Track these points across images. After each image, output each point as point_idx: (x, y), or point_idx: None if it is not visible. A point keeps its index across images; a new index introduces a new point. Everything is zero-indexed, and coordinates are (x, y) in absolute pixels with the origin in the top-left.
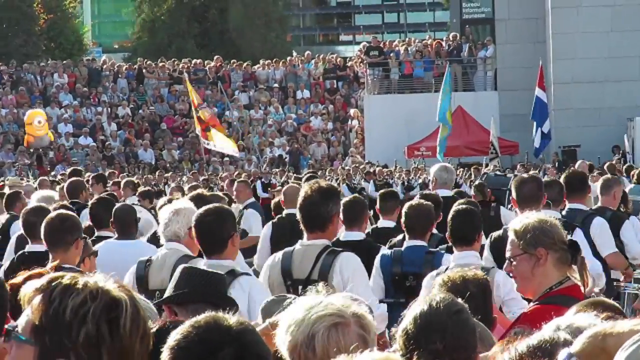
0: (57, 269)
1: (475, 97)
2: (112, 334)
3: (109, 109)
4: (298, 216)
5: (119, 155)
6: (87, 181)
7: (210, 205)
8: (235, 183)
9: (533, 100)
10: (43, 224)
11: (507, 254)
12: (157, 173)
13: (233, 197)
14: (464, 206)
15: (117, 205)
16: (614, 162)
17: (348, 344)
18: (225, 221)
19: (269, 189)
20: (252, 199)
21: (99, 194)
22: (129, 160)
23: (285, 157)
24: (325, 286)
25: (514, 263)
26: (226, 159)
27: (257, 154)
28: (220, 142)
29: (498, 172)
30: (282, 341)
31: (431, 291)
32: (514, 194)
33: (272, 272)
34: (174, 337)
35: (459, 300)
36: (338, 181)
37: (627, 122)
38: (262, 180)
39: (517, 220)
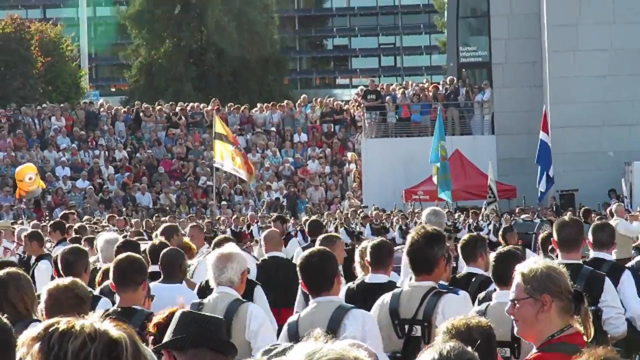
0: (128, 309)
1: (472, 140)
2: None
3: (107, 152)
4: (406, 260)
5: (117, 199)
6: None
7: (314, 248)
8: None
9: (537, 143)
10: (112, 265)
11: (511, 296)
12: (154, 216)
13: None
14: (506, 249)
15: (166, 249)
16: (614, 206)
17: None
18: (329, 261)
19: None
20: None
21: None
22: (126, 203)
23: (283, 201)
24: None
25: (518, 306)
26: (224, 202)
27: (254, 198)
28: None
29: (525, 218)
30: None
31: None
32: (555, 236)
33: (381, 312)
34: None
35: (469, 349)
36: (335, 225)
37: (624, 166)
38: (259, 224)
39: (525, 264)
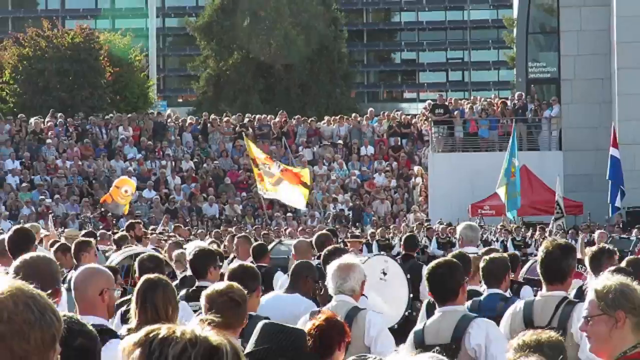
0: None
1: (540, 156)
2: None
3: (173, 162)
4: (539, 269)
5: (183, 209)
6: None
7: (441, 259)
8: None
9: (604, 160)
10: (227, 274)
11: (584, 313)
12: (221, 227)
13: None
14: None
15: (297, 262)
16: None
17: None
18: (455, 272)
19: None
20: None
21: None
22: (191, 213)
23: (348, 214)
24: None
25: (591, 323)
26: (289, 214)
27: (320, 210)
28: (287, 195)
29: (623, 236)
30: None
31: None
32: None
33: (515, 320)
34: None
35: None
36: (401, 239)
37: None
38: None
39: (599, 280)
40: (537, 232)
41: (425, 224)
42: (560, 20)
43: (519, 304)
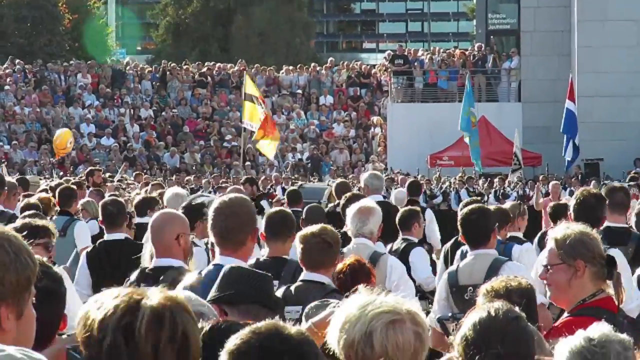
0: (277, 259)
1: (498, 107)
2: (127, 341)
3: (132, 110)
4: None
5: (141, 157)
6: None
7: (474, 205)
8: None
9: (563, 112)
10: (265, 219)
11: (544, 262)
12: (176, 176)
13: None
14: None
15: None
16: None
17: (405, 340)
18: (488, 217)
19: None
20: None
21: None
22: (150, 162)
23: (307, 163)
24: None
25: (550, 271)
26: (248, 163)
27: (279, 159)
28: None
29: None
30: (335, 339)
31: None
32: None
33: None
34: (234, 341)
35: (516, 308)
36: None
37: None
38: (283, 185)
39: (559, 228)
40: (497, 183)
41: (385, 174)
42: None
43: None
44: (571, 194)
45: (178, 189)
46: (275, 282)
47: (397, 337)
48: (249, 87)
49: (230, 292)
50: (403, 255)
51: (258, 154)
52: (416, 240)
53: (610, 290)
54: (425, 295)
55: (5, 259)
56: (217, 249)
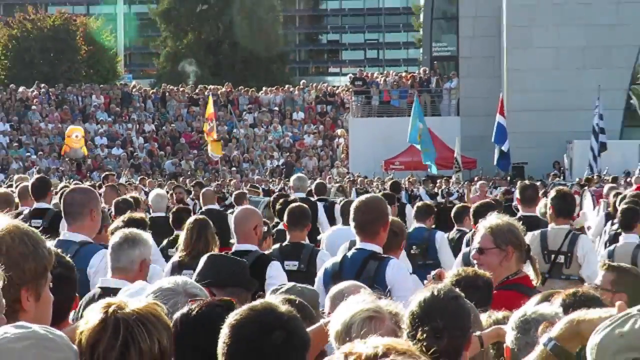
0: (297, 244)
1: (441, 121)
2: None
3: (137, 125)
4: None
5: (145, 164)
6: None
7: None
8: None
9: (494, 125)
10: (287, 211)
11: (477, 245)
12: (171, 180)
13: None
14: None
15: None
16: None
17: (381, 334)
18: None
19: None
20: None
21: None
22: (153, 168)
23: (282, 168)
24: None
25: (484, 254)
26: (233, 168)
27: (259, 165)
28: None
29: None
30: (332, 330)
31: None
32: (518, 196)
33: (533, 243)
34: (234, 316)
35: (457, 289)
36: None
37: (566, 144)
38: (263, 186)
39: (491, 219)
40: (443, 183)
41: (347, 177)
42: (458, 8)
43: (536, 233)
44: (507, 192)
45: (160, 190)
46: (296, 262)
47: (372, 330)
48: (209, 108)
49: (206, 281)
50: (458, 243)
51: (242, 161)
52: (468, 231)
53: (529, 270)
54: None
55: (25, 250)
56: (357, 237)
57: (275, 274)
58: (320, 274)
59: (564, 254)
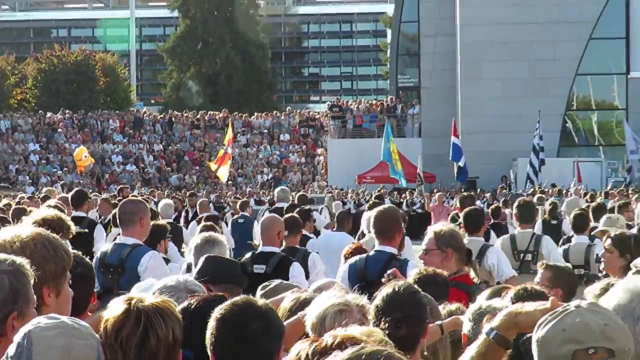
0: (292, 248)
1: (406, 142)
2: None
3: (148, 145)
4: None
5: (154, 179)
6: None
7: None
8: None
9: (450, 145)
10: (284, 221)
11: (424, 246)
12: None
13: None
14: (580, 212)
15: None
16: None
17: (350, 325)
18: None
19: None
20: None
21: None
22: (161, 182)
23: (271, 182)
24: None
25: (428, 255)
26: (230, 182)
27: (251, 179)
28: (221, 171)
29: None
30: (308, 322)
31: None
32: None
33: (504, 245)
34: (220, 310)
35: (415, 286)
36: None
37: (512, 161)
38: (255, 198)
39: (437, 225)
40: (408, 194)
41: (326, 189)
42: (420, 45)
43: (505, 236)
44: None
45: (168, 200)
46: (296, 264)
47: (342, 322)
48: (229, 133)
49: (218, 274)
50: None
51: (237, 175)
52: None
53: (469, 270)
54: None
55: (47, 254)
56: (376, 241)
57: (297, 273)
58: (345, 267)
59: (531, 253)
